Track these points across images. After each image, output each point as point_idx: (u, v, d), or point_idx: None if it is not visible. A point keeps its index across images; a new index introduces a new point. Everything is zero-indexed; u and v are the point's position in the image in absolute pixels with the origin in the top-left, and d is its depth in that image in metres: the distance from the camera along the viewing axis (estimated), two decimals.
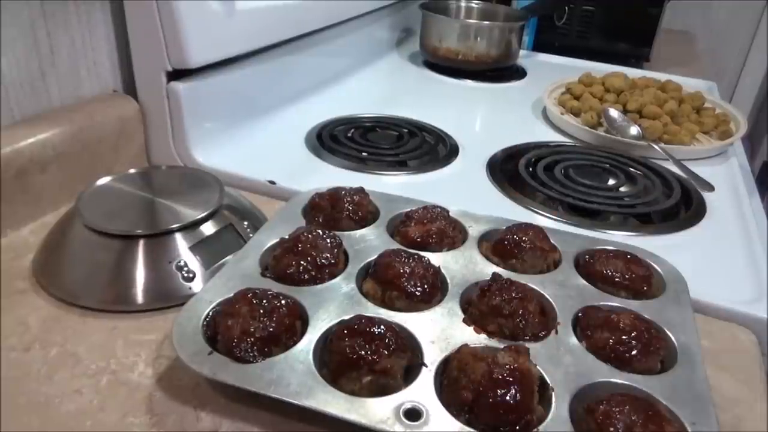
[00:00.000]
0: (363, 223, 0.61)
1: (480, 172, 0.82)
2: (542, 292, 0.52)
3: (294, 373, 0.42)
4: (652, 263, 0.57)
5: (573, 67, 1.28)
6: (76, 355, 0.47)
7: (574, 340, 0.47)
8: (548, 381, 0.43)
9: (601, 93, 1.07)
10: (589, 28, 1.48)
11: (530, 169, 0.82)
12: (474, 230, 0.61)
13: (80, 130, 0.66)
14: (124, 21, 0.71)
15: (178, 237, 0.55)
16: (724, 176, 0.87)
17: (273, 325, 0.45)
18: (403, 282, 0.50)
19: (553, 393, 0.42)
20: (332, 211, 0.61)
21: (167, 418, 0.42)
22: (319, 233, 0.54)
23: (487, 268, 0.55)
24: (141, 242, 0.54)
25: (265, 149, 0.83)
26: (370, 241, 0.58)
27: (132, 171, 0.64)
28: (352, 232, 0.59)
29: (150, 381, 0.45)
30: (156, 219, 0.56)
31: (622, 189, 0.81)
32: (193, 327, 0.45)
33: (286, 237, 0.55)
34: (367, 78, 1.19)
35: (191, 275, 0.54)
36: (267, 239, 0.56)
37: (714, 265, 0.65)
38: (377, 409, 0.39)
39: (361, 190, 0.63)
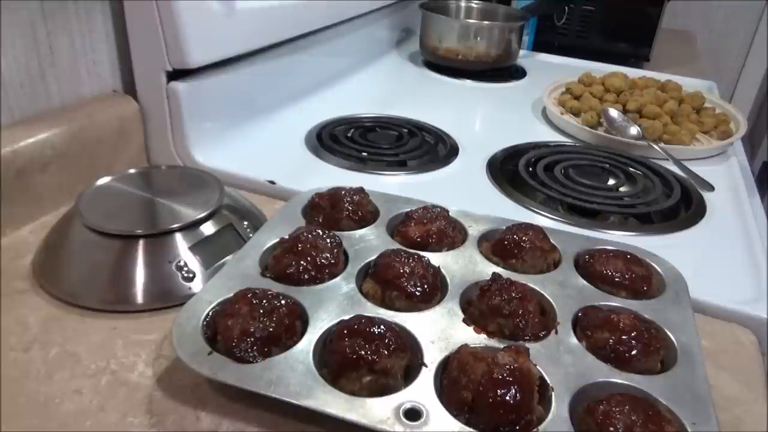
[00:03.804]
0: (363, 223, 0.61)
1: (480, 172, 0.82)
2: (542, 292, 0.52)
3: (294, 373, 0.42)
4: (652, 263, 0.57)
5: (573, 67, 1.28)
6: (76, 355, 0.47)
7: (574, 340, 0.47)
8: (548, 381, 0.43)
9: (601, 93, 1.07)
10: (589, 27, 1.48)
11: (530, 169, 0.82)
12: (474, 230, 0.61)
13: (80, 130, 0.66)
14: (124, 21, 0.71)
15: (178, 237, 0.55)
16: (724, 176, 0.87)
17: (273, 325, 0.45)
18: (403, 282, 0.50)
19: (553, 393, 0.42)
20: (332, 211, 0.61)
21: (167, 418, 0.42)
22: (318, 233, 0.54)
23: (487, 268, 0.55)
24: (141, 242, 0.54)
25: (265, 149, 0.83)
26: (369, 241, 0.58)
27: (132, 171, 0.64)
28: (352, 232, 0.59)
29: (150, 381, 0.45)
30: (156, 219, 0.56)
31: (622, 189, 0.81)
32: (193, 327, 0.45)
33: (286, 237, 0.55)
34: (367, 78, 1.19)
35: (191, 275, 0.54)
36: (267, 239, 0.56)
37: (714, 265, 0.65)
38: (377, 409, 0.39)
39: (360, 190, 0.63)
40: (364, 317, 0.45)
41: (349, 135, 0.90)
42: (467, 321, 0.48)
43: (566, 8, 1.47)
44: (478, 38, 1.23)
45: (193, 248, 0.55)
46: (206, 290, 0.49)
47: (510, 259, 0.56)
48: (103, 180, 0.61)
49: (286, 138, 0.87)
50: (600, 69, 1.22)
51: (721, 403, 0.45)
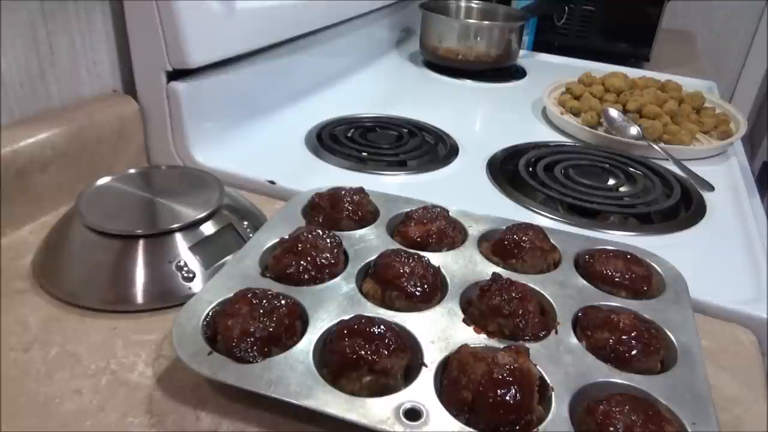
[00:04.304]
0: (363, 223, 0.61)
1: (480, 172, 0.82)
2: (542, 292, 0.52)
3: (294, 373, 0.42)
4: (652, 263, 0.57)
5: (573, 67, 1.28)
6: (76, 355, 0.47)
7: (574, 340, 0.47)
8: (548, 381, 0.43)
9: (601, 93, 1.07)
10: (589, 27, 1.48)
11: (530, 169, 0.82)
12: (474, 230, 0.61)
13: (80, 130, 0.66)
14: (124, 21, 0.71)
15: (178, 237, 0.55)
16: (724, 176, 0.87)
17: (273, 325, 0.45)
18: (403, 282, 0.50)
19: (553, 393, 0.42)
20: (332, 211, 0.61)
21: (167, 418, 0.42)
22: (318, 233, 0.54)
23: (487, 268, 0.55)
24: (141, 242, 0.54)
25: (265, 149, 0.83)
26: (369, 241, 0.58)
27: (132, 171, 0.64)
28: (352, 232, 0.59)
29: (150, 381, 0.45)
30: (156, 219, 0.56)
31: (621, 189, 0.81)
32: (193, 327, 0.45)
33: (286, 237, 0.55)
34: (367, 78, 1.19)
35: (191, 275, 0.54)
36: (267, 239, 0.56)
37: (714, 265, 0.65)
38: (377, 409, 0.39)
39: (360, 190, 0.63)
40: (364, 317, 0.45)
41: (349, 135, 0.90)
42: (467, 321, 0.48)
43: (566, 8, 1.47)
44: (478, 38, 1.23)
45: (193, 248, 0.55)
46: (206, 290, 0.49)
47: (510, 259, 0.56)
48: (103, 180, 0.61)
49: (286, 138, 0.87)
50: (600, 69, 1.22)
51: (721, 403, 0.45)
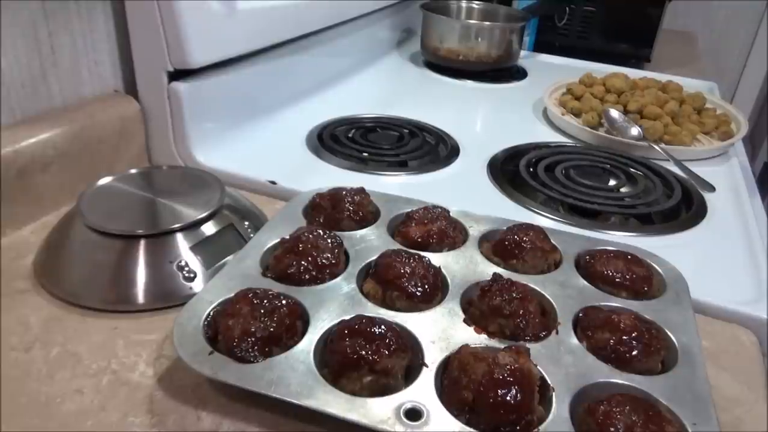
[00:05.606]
0: (364, 223, 0.61)
1: (481, 173, 0.82)
2: (543, 292, 0.52)
3: (294, 373, 0.42)
4: (652, 263, 0.57)
5: (574, 68, 1.28)
6: (77, 354, 0.47)
7: (574, 340, 0.47)
8: (549, 381, 0.43)
9: (602, 93, 1.07)
10: (590, 28, 1.48)
11: (531, 169, 0.82)
12: (475, 230, 0.61)
13: (81, 130, 0.67)
14: (126, 21, 0.71)
15: (179, 237, 0.55)
16: (724, 177, 0.87)
17: (273, 325, 0.45)
18: (403, 282, 0.50)
19: (553, 393, 0.42)
20: (333, 211, 0.61)
21: (168, 418, 0.42)
22: (319, 233, 0.54)
23: (488, 269, 0.55)
24: (142, 242, 0.54)
25: (265, 149, 0.83)
26: (370, 242, 0.58)
27: (133, 171, 0.64)
28: (353, 233, 0.59)
29: (151, 381, 0.45)
30: (157, 219, 0.56)
31: (622, 189, 0.81)
32: (194, 327, 0.45)
33: (287, 237, 0.55)
34: (368, 78, 1.19)
35: (192, 275, 0.54)
36: (268, 239, 0.56)
37: (714, 266, 0.65)
38: (378, 409, 0.39)
39: (361, 191, 0.63)
40: (364, 317, 0.45)
41: (350, 135, 0.91)
42: (468, 321, 0.48)
43: (567, 9, 1.47)
44: (479, 39, 1.23)
45: (194, 248, 0.55)
46: (207, 290, 0.49)
47: (511, 260, 0.56)
48: (105, 180, 0.61)
49: (287, 138, 0.87)
50: (601, 69, 1.22)
51: (721, 404, 0.45)
